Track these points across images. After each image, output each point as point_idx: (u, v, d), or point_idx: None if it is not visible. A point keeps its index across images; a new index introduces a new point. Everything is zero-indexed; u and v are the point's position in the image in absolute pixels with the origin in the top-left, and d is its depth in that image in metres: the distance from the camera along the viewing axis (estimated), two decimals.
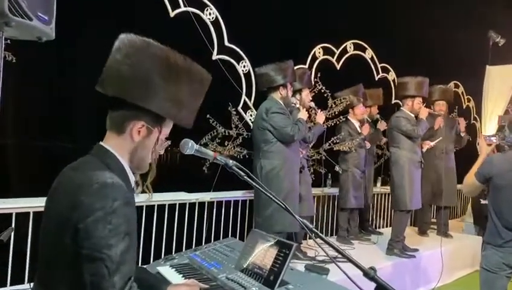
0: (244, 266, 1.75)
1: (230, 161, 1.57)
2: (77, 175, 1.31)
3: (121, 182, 1.29)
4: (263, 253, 1.71)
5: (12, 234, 2.78)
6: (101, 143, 1.41)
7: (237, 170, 1.55)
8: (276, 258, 1.64)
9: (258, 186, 1.48)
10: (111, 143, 1.40)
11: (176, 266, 1.95)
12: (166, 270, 1.90)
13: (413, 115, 4.81)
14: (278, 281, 1.57)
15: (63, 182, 1.35)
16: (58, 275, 1.28)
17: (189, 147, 1.55)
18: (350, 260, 1.26)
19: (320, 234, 1.36)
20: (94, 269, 1.19)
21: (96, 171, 1.30)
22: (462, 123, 6.09)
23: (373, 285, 1.24)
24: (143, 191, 1.52)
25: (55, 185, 1.38)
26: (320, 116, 4.43)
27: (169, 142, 1.53)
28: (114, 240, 1.21)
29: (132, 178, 1.44)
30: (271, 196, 1.46)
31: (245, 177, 1.52)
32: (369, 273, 1.22)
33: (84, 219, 1.20)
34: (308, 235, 4.93)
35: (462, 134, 6.06)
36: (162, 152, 1.52)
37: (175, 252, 4.07)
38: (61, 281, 1.26)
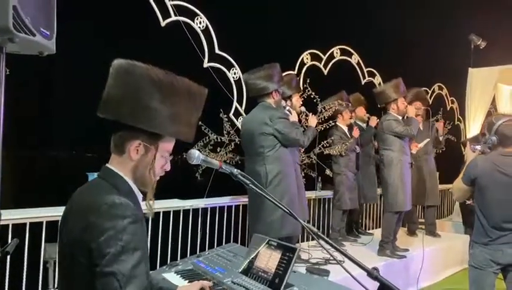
0: (249, 270, 1.81)
1: (235, 170, 1.63)
2: (86, 198, 1.40)
3: (129, 201, 1.37)
4: (267, 257, 1.78)
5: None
6: (107, 165, 1.49)
7: (242, 178, 1.61)
8: (281, 262, 1.70)
9: (263, 193, 1.55)
10: (115, 164, 1.48)
11: (180, 272, 2.00)
12: (172, 277, 1.95)
13: (400, 117, 4.86)
14: (283, 284, 1.63)
15: (74, 207, 1.43)
16: None
17: (196, 157, 1.61)
18: (355, 262, 1.34)
19: (326, 238, 1.43)
20: (106, 284, 1.27)
21: (104, 193, 1.38)
22: (440, 127, 6.35)
23: (372, 284, 1.32)
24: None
25: (67, 210, 1.46)
26: (313, 120, 4.43)
27: (171, 157, 1.58)
28: (124, 255, 1.29)
29: (140, 196, 1.51)
30: (275, 202, 1.53)
31: (250, 185, 1.59)
32: (373, 274, 1.30)
33: (96, 239, 1.28)
34: (299, 238, 5.03)
35: (440, 137, 6.30)
36: (168, 168, 1.57)
37: (170, 260, 4.11)
38: None
